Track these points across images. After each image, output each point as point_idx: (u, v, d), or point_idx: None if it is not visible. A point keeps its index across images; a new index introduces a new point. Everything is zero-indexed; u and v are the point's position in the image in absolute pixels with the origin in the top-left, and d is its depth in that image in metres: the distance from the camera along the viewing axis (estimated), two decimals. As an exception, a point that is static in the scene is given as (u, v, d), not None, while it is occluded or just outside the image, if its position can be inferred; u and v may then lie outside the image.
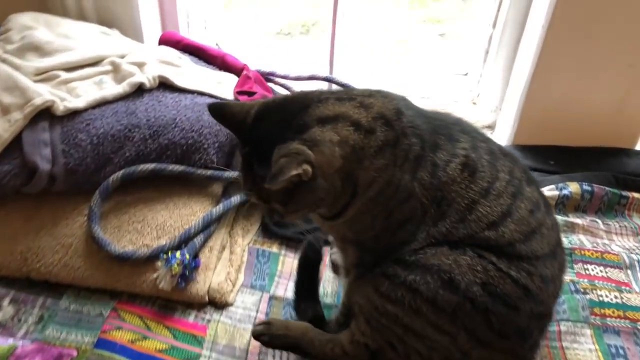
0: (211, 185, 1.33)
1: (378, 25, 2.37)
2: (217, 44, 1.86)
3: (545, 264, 0.95)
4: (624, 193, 1.52)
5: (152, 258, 1.16)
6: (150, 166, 1.24)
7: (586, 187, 1.50)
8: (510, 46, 1.70)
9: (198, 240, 1.20)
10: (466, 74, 1.99)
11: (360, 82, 1.81)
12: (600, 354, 1.16)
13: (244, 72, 1.53)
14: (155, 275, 1.14)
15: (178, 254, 1.14)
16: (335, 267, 1.28)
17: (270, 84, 1.69)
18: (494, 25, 1.72)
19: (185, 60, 1.53)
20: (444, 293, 0.90)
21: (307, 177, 0.85)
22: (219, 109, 0.96)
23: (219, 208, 1.26)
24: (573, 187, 1.49)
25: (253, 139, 0.91)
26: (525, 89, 1.60)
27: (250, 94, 1.45)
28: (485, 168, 0.95)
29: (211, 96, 1.40)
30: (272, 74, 1.73)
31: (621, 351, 1.17)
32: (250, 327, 1.14)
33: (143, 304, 1.15)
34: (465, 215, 0.93)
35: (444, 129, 0.96)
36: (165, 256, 1.14)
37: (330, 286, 1.25)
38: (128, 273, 1.15)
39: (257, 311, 1.18)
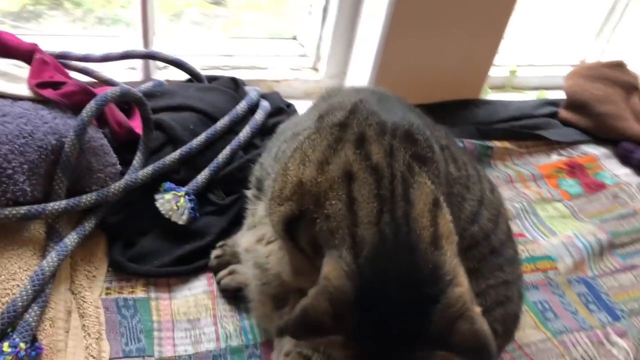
0: (28, 228, 0.91)
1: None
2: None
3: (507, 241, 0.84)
4: (488, 143, 1.52)
5: (-40, 364, 0.74)
6: None
7: (459, 144, 1.43)
8: (350, 8, 1.55)
9: (31, 315, 0.80)
10: (294, 38, 1.79)
11: (186, 54, 1.48)
12: (532, 314, 1.13)
13: (37, 56, 1.10)
14: (-26, 389, 0.73)
15: (6, 345, 0.75)
16: (229, 293, 0.99)
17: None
18: (331, -20, 1.53)
19: None
20: None
21: None
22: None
23: (52, 259, 0.86)
24: (447, 146, 1.41)
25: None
26: (380, 53, 1.50)
27: (56, 85, 1.04)
28: (456, 152, 0.82)
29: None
30: (66, 56, 1.31)
31: (546, 305, 1.16)
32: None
33: None
34: (457, 213, 0.76)
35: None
36: (-16, 355, 0.73)
37: (230, 324, 0.96)
38: None
39: (144, 388, 0.84)
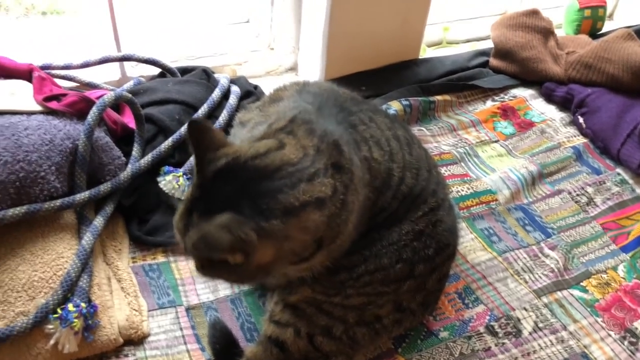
0: (62, 216, 1.11)
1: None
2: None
3: (430, 183, 1.05)
4: (431, 99, 1.72)
5: (38, 324, 0.94)
6: (-17, 220, 0.97)
7: (405, 102, 1.65)
8: (295, -13, 1.72)
9: (83, 282, 1.00)
10: (247, 21, 1.95)
11: (153, 52, 1.65)
12: (480, 239, 1.35)
13: (35, 74, 1.26)
14: (52, 341, 0.93)
15: (71, 306, 0.95)
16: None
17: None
18: (276, -33, 1.70)
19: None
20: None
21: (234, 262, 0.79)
22: (200, 131, 0.84)
23: (89, 238, 1.06)
24: (395, 105, 1.63)
25: (210, 188, 0.81)
26: (327, 26, 1.65)
27: (58, 97, 1.21)
28: (380, 135, 0.99)
29: (14, 113, 1.13)
30: (49, 67, 1.46)
31: (491, 230, 1.37)
32: (182, 348, 1.02)
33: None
34: (390, 183, 0.97)
35: (345, 122, 0.97)
36: (55, 315, 0.93)
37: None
38: (13, 354, 0.92)
39: (180, 329, 1.06)
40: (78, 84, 1.52)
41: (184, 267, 1.17)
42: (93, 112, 1.16)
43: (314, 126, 0.90)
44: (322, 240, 0.87)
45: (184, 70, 1.62)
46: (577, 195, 1.52)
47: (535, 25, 1.96)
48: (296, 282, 0.97)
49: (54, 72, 1.48)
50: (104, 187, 1.16)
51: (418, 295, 1.01)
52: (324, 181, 0.84)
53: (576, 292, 1.25)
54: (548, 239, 1.37)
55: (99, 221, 1.11)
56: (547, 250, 1.34)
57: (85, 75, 1.52)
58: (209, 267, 0.82)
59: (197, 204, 0.81)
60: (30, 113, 1.15)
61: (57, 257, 1.02)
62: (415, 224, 0.99)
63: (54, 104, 1.19)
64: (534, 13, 1.98)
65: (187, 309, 1.09)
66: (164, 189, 1.25)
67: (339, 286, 0.96)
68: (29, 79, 1.27)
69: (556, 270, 1.29)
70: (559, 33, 2.07)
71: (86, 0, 1.62)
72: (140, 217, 1.24)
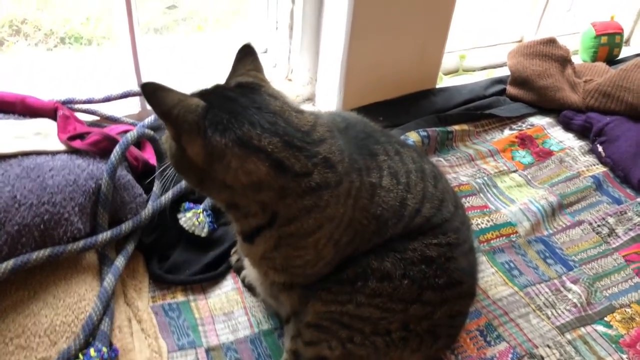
0: (84, 257, 1.12)
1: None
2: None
3: (454, 219, 1.04)
4: (449, 129, 1.72)
5: (60, 370, 0.94)
6: (8, 264, 0.98)
7: (422, 132, 1.65)
8: (313, 18, 1.74)
9: (105, 325, 1.01)
10: (265, 51, 1.97)
11: (172, 82, 1.67)
12: (500, 273, 1.33)
13: (60, 113, 1.28)
14: (75, 388, 0.93)
15: (92, 351, 0.95)
16: (251, 289, 1.21)
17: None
18: (293, 1, 1.72)
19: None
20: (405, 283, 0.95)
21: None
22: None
23: (110, 280, 1.07)
24: (413, 136, 1.63)
25: (227, 87, 0.90)
26: (344, 57, 1.67)
27: (82, 136, 1.23)
28: (400, 167, 0.99)
29: (39, 153, 1.15)
30: (71, 102, 1.48)
31: (512, 264, 1.36)
32: (204, 390, 1.02)
33: None
34: (402, 212, 0.97)
35: (365, 148, 0.97)
36: (78, 361, 0.94)
37: (259, 312, 1.18)
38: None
39: (201, 372, 1.06)
40: (99, 118, 1.54)
41: (204, 306, 1.17)
42: (116, 152, 1.18)
43: (335, 133, 0.92)
44: (275, 215, 0.87)
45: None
46: (598, 226, 1.50)
47: (552, 53, 1.96)
48: (304, 301, 0.99)
49: (76, 105, 1.50)
50: (126, 226, 1.17)
51: (424, 322, 1.00)
52: (299, 156, 0.85)
53: (600, 328, 1.24)
54: (570, 272, 1.35)
55: (120, 261, 1.12)
56: (569, 284, 1.32)
57: (106, 109, 1.54)
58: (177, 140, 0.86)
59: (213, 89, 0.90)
60: (54, 153, 1.16)
61: (79, 300, 1.03)
62: (427, 247, 0.98)
63: (77, 143, 1.20)
64: (551, 41, 1.98)
65: (207, 350, 1.09)
66: (184, 225, 1.26)
67: (349, 291, 0.95)
68: (54, 117, 1.29)
69: (579, 305, 1.27)
70: (576, 59, 2.07)
71: (108, 31, 1.65)
72: (160, 255, 1.24)
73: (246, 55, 0.95)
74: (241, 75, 0.92)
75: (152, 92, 0.83)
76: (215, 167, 0.84)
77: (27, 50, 1.78)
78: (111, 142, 1.22)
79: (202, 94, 0.88)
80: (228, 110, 0.84)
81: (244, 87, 0.90)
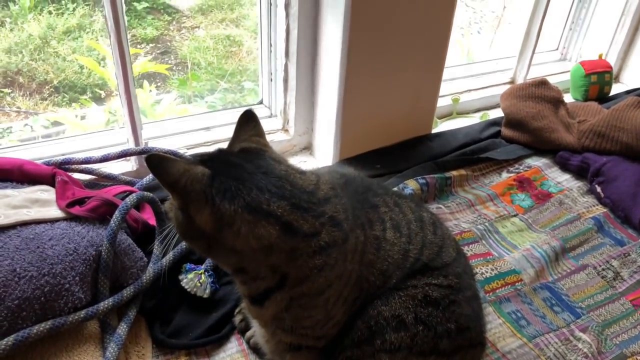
0: (86, 326, 1.09)
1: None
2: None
3: (455, 264, 1.04)
4: (447, 174, 1.72)
5: None
6: (8, 340, 0.96)
7: (421, 180, 1.65)
8: (307, 72, 1.76)
9: (107, 400, 0.98)
10: (261, 102, 1.99)
11: (170, 143, 1.69)
12: (508, 324, 1.32)
13: (58, 178, 1.27)
14: None
15: None
16: (257, 351, 1.18)
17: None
18: (287, 56, 1.74)
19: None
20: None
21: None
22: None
23: (113, 350, 1.05)
24: (412, 184, 1.63)
25: (231, 152, 0.91)
26: (340, 108, 1.68)
27: (82, 201, 1.22)
28: (401, 218, 1.01)
29: (38, 222, 1.14)
30: (69, 162, 1.48)
31: (519, 314, 1.34)
32: None
33: None
34: (404, 264, 0.97)
35: (366, 202, 0.98)
36: None
37: (265, 376, 1.16)
38: None
39: None
40: (96, 177, 1.54)
41: (209, 371, 1.15)
42: (116, 217, 1.17)
43: (337, 191, 0.92)
44: (286, 277, 0.86)
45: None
46: (603, 269, 1.49)
47: (544, 95, 1.98)
48: None
49: (73, 166, 1.49)
50: (127, 292, 1.15)
51: None
52: (307, 217, 0.85)
53: (613, 378, 1.21)
54: (578, 320, 1.33)
55: (122, 329, 1.10)
56: (578, 333, 1.30)
57: (103, 167, 1.54)
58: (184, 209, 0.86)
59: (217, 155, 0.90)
60: (54, 220, 1.15)
61: (82, 373, 1.00)
62: (428, 287, 0.97)
63: (76, 210, 1.19)
64: (543, 83, 2.01)
65: (214, 419, 1.06)
66: (186, 287, 1.24)
67: (371, 353, 0.93)
68: (52, 182, 1.28)
69: (590, 355, 1.25)
70: (567, 97, 2.09)
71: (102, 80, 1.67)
72: (162, 317, 1.22)
73: (248, 120, 0.96)
74: (244, 141, 0.93)
75: (157, 164, 0.83)
76: (225, 234, 0.84)
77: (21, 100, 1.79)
78: (110, 206, 1.21)
79: (205, 160, 0.88)
80: (234, 177, 0.85)
81: (248, 153, 0.90)
